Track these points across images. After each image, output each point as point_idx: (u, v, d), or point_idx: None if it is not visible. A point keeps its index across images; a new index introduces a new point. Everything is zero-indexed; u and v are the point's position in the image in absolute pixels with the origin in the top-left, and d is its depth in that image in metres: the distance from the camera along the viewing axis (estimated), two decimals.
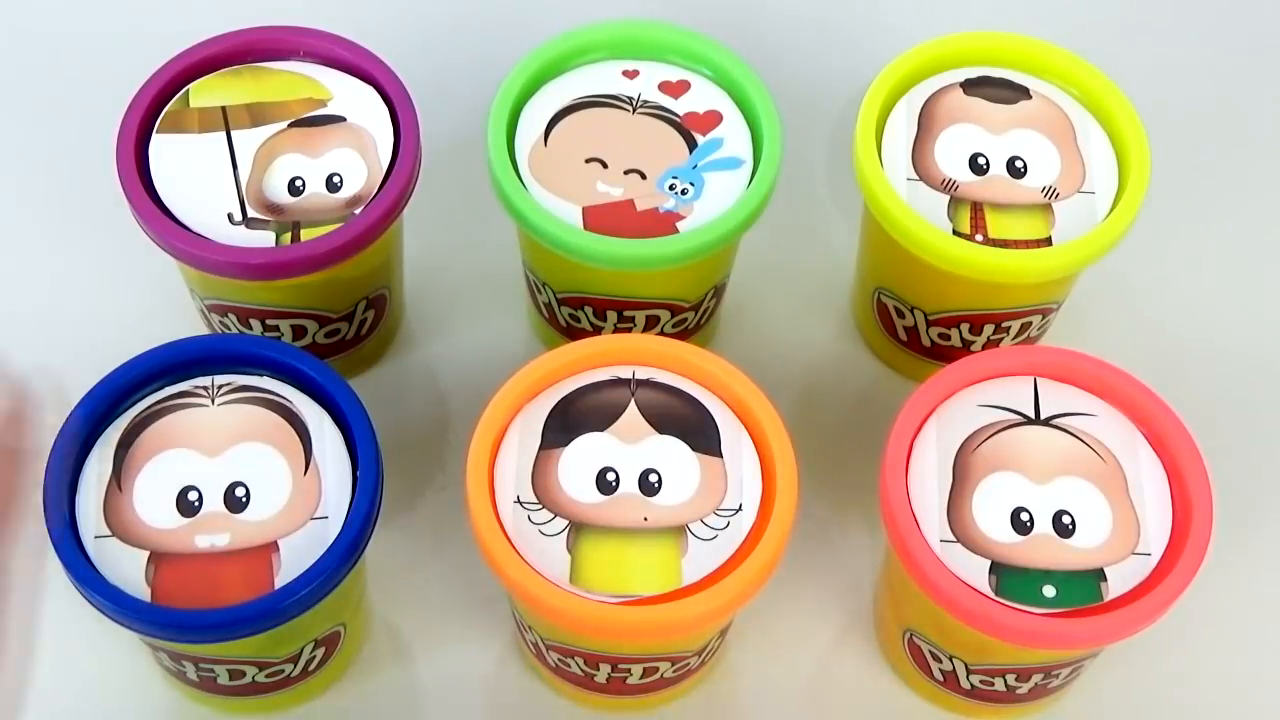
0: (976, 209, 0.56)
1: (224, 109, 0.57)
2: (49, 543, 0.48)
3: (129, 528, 0.49)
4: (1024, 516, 0.49)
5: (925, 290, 0.59)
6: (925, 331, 0.60)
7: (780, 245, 0.64)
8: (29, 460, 0.43)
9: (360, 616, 0.55)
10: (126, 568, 0.48)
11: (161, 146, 0.56)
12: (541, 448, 0.50)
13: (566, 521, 0.48)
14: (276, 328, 0.58)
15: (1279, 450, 0.62)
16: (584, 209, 0.55)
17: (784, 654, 0.58)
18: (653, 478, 0.49)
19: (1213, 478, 0.49)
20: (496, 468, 0.49)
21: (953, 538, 0.49)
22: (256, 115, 0.57)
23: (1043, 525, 0.49)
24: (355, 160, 0.56)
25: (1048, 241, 0.55)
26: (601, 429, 0.50)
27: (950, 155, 0.57)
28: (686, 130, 0.57)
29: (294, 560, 0.48)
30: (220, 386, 0.51)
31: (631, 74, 0.58)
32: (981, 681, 0.53)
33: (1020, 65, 0.59)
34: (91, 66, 0.70)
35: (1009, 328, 0.59)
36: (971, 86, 0.59)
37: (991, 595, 0.48)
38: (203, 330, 0.62)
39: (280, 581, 0.48)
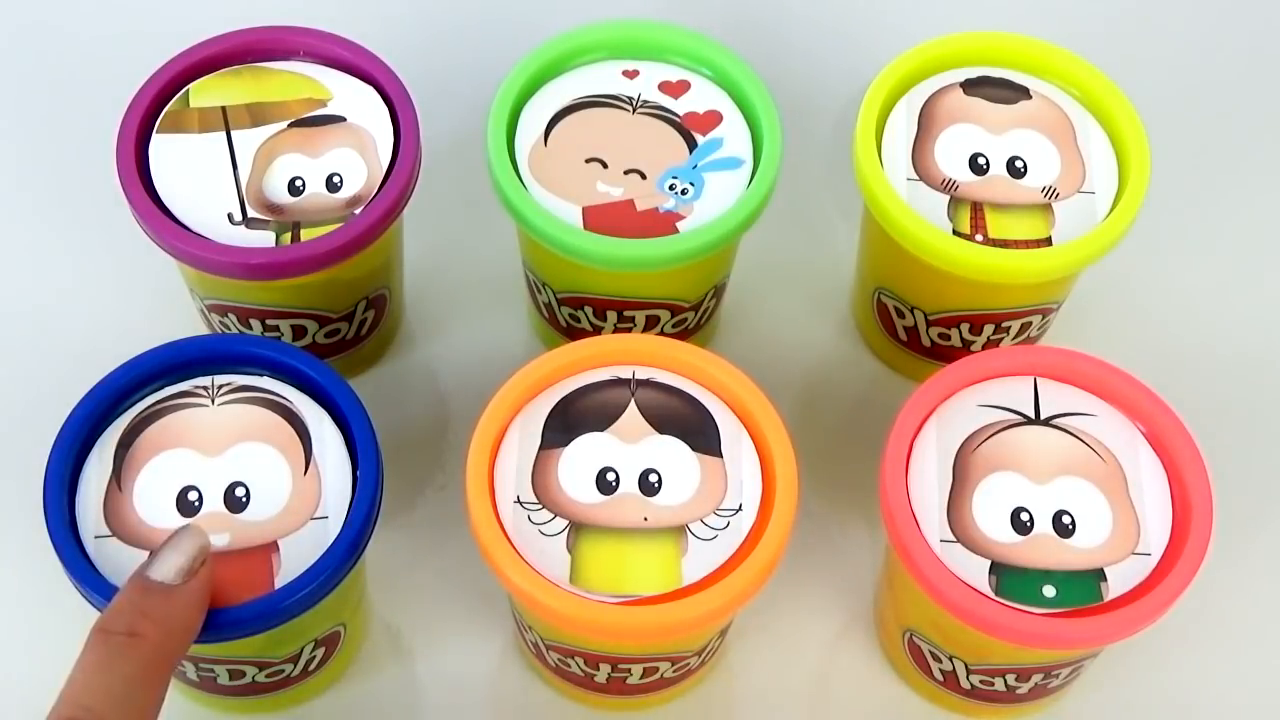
0: (976, 209, 0.56)
1: (224, 109, 0.57)
2: (49, 543, 0.48)
3: (129, 528, 0.49)
4: (1024, 516, 0.49)
5: (925, 290, 0.59)
6: (925, 331, 0.60)
7: (780, 245, 0.64)
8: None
9: (360, 616, 0.55)
10: (126, 568, 0.48)
11: (161, 146, 0.56)
12: (541, 448, 0.50)
13: (566, 521, 0.48)
14: (276, 328, 0.58)
15: (1279, 450, 0.62)
16: (584, 209, 0.55)
17: (784, 654, 0.58)
18: (653, 478, 0.49)
19: (1213, 478, 0.49)
20: (496, 468, 0.49)
21: (953, 538, 0.49)
22: (256, 115, 0.57)
23: (1043, 525, 0.49)
24: (355, 160, 0.56)
25: (1048, 241, 0.55)
26: (601, 429, 0.50)
27: (950, 155, 0.57)
28: (686, 130, 0.57)
29: (294, 560, 0.48)
30: (220, 386, 0.51)
31: (631, 74, 0.58)
32: (981, 681, 0.53)
33: (1020, 65, 0.59)
34: (91, 66, 0.70)
35: (1009, 328, 0.59)
36: (971, 86, 0.59)
37: (991, 595, 0.48)
38: (203, 330, 0.62)
39: (280, 581, 0.48)
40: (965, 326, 0.59)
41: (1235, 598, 0.58)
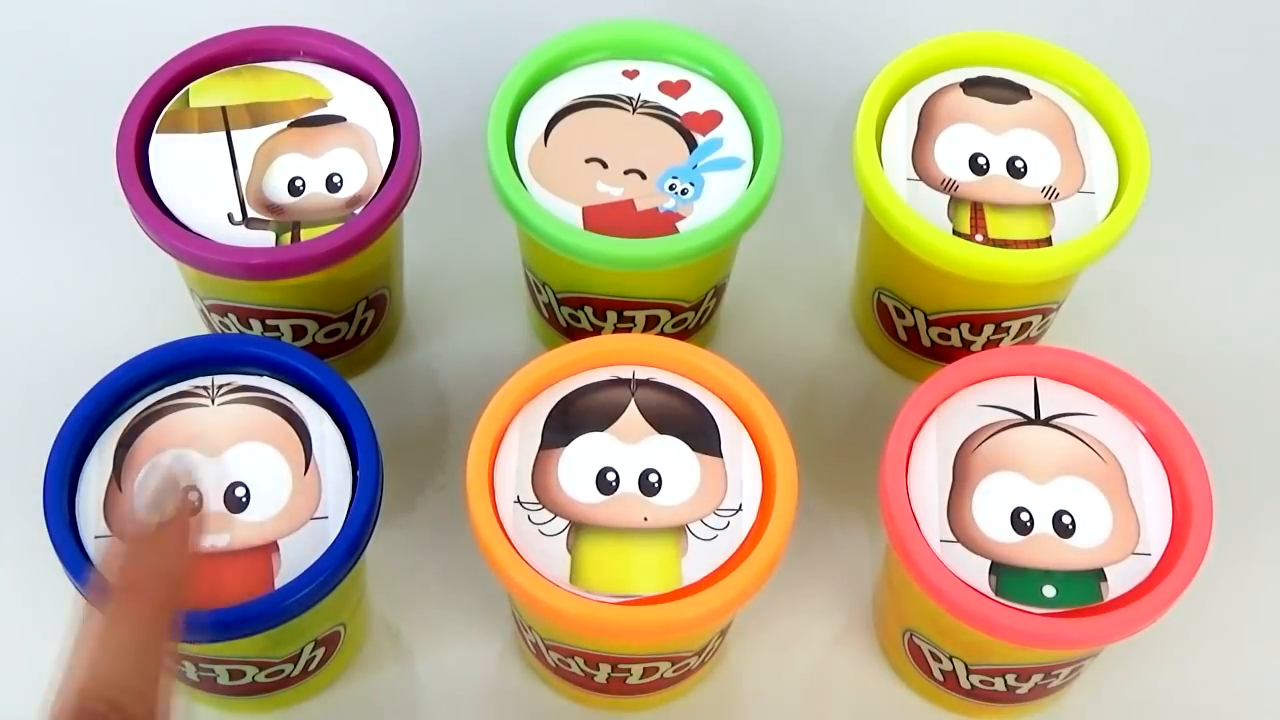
0: (976, 209, 0.56)
1: (224, 109, 0.57)
2: (49, 543, 0.48)
3: None
4: (1024, 516, 0.49)
5: (925, 290, 0.59)
6: (925, 331, 0.60)
7: (780, 245, 0.64)
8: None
9: (360, 616, 0.55)
10: None
11: (161, 146, 0.56)
12: (541, 448, 0.50)
13: (566, 521, 0.48)
14: (276, 328, 0.58)
15: (1279, 450, 0.62)
16: (584, 209, 0.55)
17: (784, 654, 0.58)
18: (653, 478, 0.49)
19: (1213, 478, 0.49)
20: (496, 468, 0.49)
21: (953, 538, 0.49)
22: (256, 115, 0.57)
23: (1043, 525, 0.49)
24: (355, 160, 0.56)
25: (1048, 241, 0.55)
26: (601, 429, 0.50)
27: (950, 155, 0.57)
28: (686, 130, 0.57)
29: (294, 560, 0.48)
30: (220, 386, 0.51)
31: (631, 74, 0.58)
32: (981, 681, 0.53)
33: (1020, 65, 0.59)
34: (91, 66, 0.70)
35: (1009, 328, 0.59)
36: (971, 86, 0.59)
37: (991, 595, 0.48)
38: (203, 330, 0.62)
39: (280, 581, 0.48)
40: (965, 326, 0.59)
41: (1235, 598, 0.58)
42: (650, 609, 0.47)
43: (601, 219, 0.55)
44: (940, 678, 0.54)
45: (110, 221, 0.60)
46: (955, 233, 0.55)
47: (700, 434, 0.50)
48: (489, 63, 0.61)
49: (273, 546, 0.48)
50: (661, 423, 0.50)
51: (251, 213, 0.55)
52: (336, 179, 0.56)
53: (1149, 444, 0.51)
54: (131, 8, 0.72)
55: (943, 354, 0.60)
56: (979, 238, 0.55)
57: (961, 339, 0.60)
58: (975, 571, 0.48)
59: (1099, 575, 0.48)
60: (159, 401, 0.51)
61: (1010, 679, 0.52)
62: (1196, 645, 0.57)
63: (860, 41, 0.71)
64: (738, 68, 0.58)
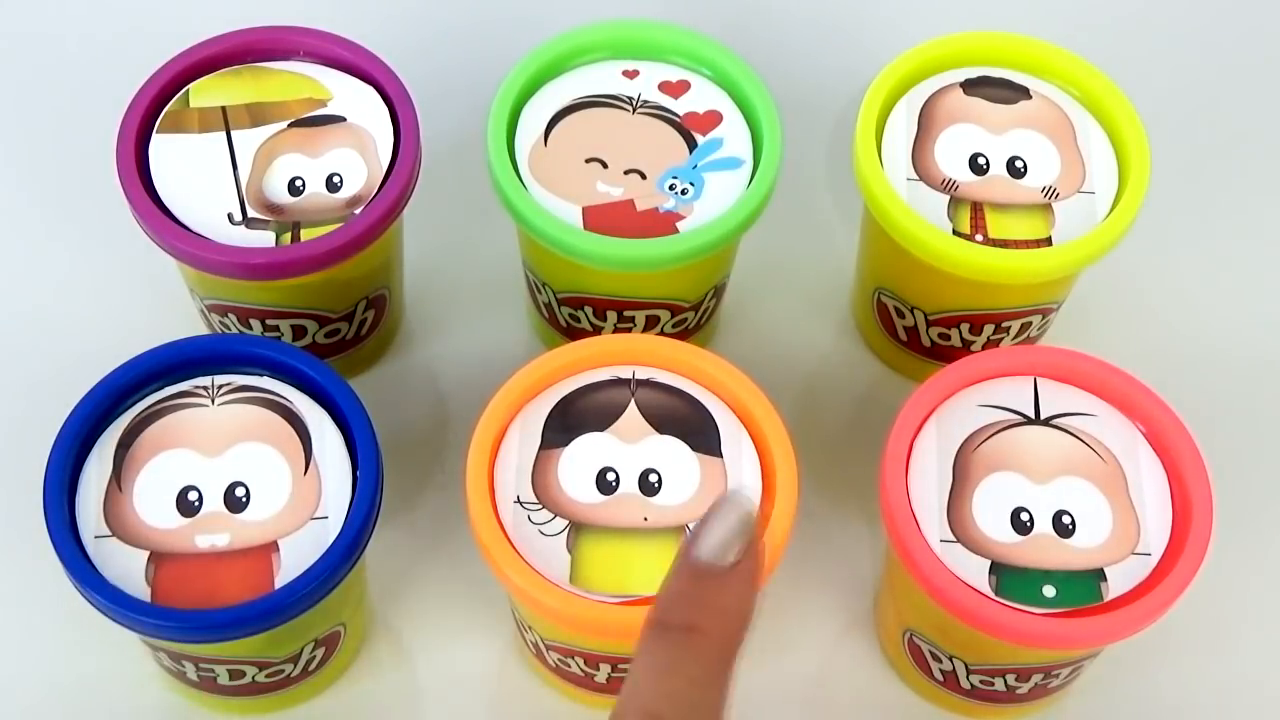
0: (976, 209, 0.56)
1: (224, 109, 0.57)
2: (49, 543, 0.48)
3: (129, 528, 0.49)
4: (1024, 516, 0.49)
5: (925, 290, 0.59)
6: (925, 331, 0.60)
7: (780, 245, 0.64)
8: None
9: (360, 616, 0.55)
10: (126, 568, 0.48)
11: (161, 146, 0.56)
12: (541, 448, 0.50)
13: (566, 521, 0.48)
14: (276, 328, 0.58)
15: (1279, 450, 0.62)
16: (584, 209, 0.55)
17: (784, 654, 0.57)
18: (653, 478, 0.49)
19: (1213, 478, 0.49)
20: (496, 468, 0.49)
21: (953, 538, 0.49)
22: (256, 115, 0.57)
23: (1043, 525, 0.49)
24: (355, 160, 0.56)
25: (1048, 241, 0.55)
26: (601, 429, 0.50)
27: (950, 155, 0.57)
28: (686, 130, 0.57)
29: (294, 560, 0.48)
30: (220, 386, 0.51)
31: (631, 74, 0.58)
32: (981, 681, 0.53)
33: (1020, 65, 0.59)
34: (91, 66, 0.70)
35: (1009, 328, 0.59)
36: (971, 86, 0.59)
37: (991, 595, 0.48)
38: (203, 330, 0.62)
39: (280, 581, 0.48)
40: (965, 326, 0.59)
41: (1235, 598, 0.58)
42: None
43: (601, 219, 0.55)
44: (940, 678, 0.54)
45: (110, 221, 0.60)
46: (955, 233, 0.55)
47: (700, 434, 0.50)
48: (489, 63, 0.61)
49: (273, 546, 0.48)
50: (661, 423, 0.50)
51: (251, 213, 0.55)
52: (336, 179, 0.56)
53: (1149, 444, 0.51)
54: (131, 8, 0.72)
55: (943, 354, 0.60)
56: (979, 238, 0.55)
57: (961, 339, 0.60)
58: (975, 571, 0.48)
59: (1099, 575, 0.48)
60: (159, 401, 0.51)
61: (1010, 679, 0.52)
62: (1196, 645, 0.57)
63: (860, 41, 0.71)
64: (738, 68, 0.58)
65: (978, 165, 0.57)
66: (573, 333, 0.60)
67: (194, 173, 0.55)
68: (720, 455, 0.50)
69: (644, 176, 0.56)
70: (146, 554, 0.48)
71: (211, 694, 0.54)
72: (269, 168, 0.56)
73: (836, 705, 0.57)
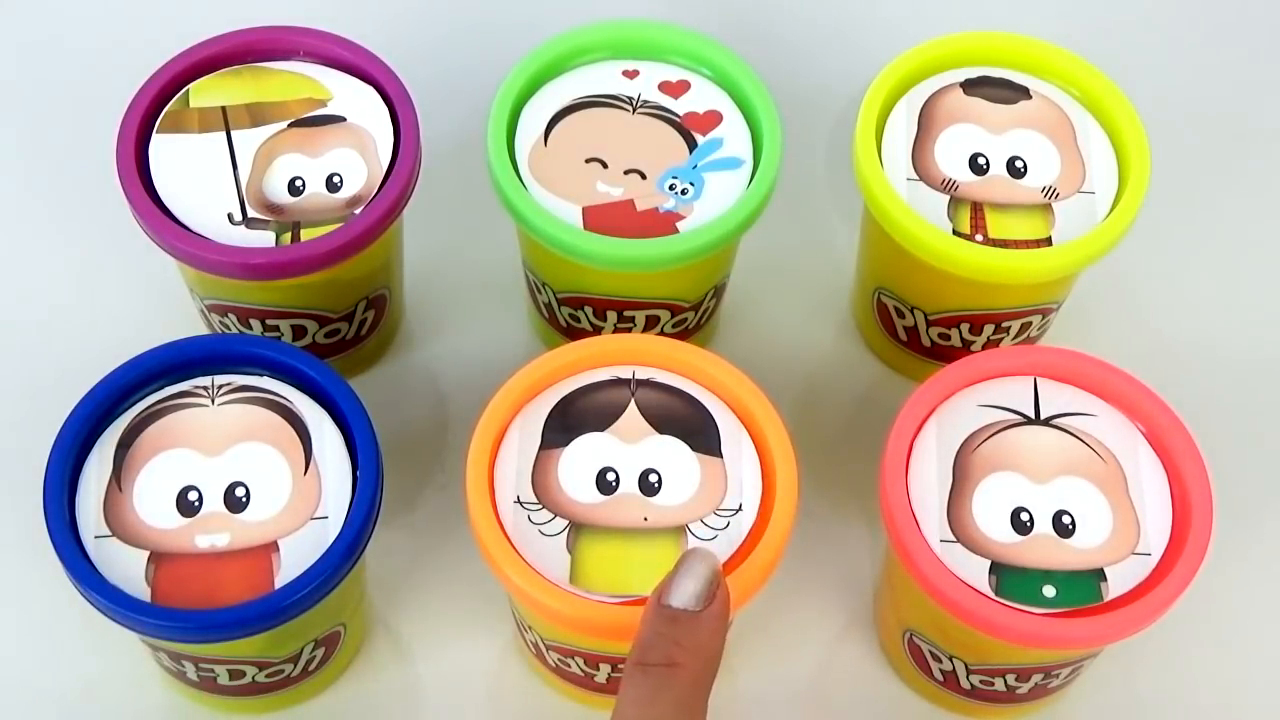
0: (976, 209, 0.56)
1: (224, 109, 0.57)
2: (49, 543, 0.48)
3: (129, 528, 0.49)
4: (1024, 516, 0.49)
5: (925, 290, 0.59)
6: (925, 331, 0.60)
7: (780, 245, 0.64)
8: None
9: (360, 616, 0.55)
10: (126, 568, 0.48)
11: (161, 146, 0.56)
12: (541, 448, 0.50)
13: (566, 521, 0.48)
14: (276, 328, 0.58)
15: (1279, 450, 0.62)
16: (584, 209, 0.55)
17: (784, 654, 0.57)
18: (653, 478, 0.49)
19: (1213, 478, 0.49)
20: (496, 468, 0.49)
21: (953, 538, 0.49)
22: (256, 115, 0.57)
23: (1043, 525, 0.49)
24: (355, 160, 0.56)
25: (1048, 241, 0.55)
26: (601, 429, 0.50)
27: (950, 155, 0.57)
28: (686, 130, 0.57)
29: (294, 560, 0.48)
30: (220, 386, 0.51)
31: (631, 74, 0.58)
32: (981, 681, 0.53)
33: (1020, 65, 0.59)
34: (91, 66, 0.70)
35: (1009, 328, 0.59)
36: (971, 86, 0.59)
37: (991, 595, 0.48)
38: (203, 330, 0.62)
39: (280, 581, 0.48)
40: (965, 326, 0.59)
41: (1235, 598, 0.58)
42: None
43: (601, 219, 0.55)
44: (940, 678, 0.54)
45: (110, 221, 0.60)
46: (955, 233, 0.55)
47: (700, 434, 0.50)
48: (489, 63, 0.61)
49: (273, 546, 0.48)
50: (661, 423, 0.50)
51: (251, 213, 0.55)
52: (336, 179, 0.56)
53: (1149, 444, 0.51)
54: (131, 8, 0.72)
55: (943, 354, 0.60)
56: (979, 238, 0.55)
57: (961, 339, 0.60)
58: (975, 571, 0.48)
59: (1099, 575, 0.48)
60: (159, 401, 0.51)
61: (1010, 679, 0.52)
62: (1196, 645, 0.57)
63: (860, 41, 0.71)
64: (738, 68, 0.58)
65: (978, 165, 0.57)
66: (573, 333, 0.60)
67: (194, 173, 0.55)
68: (720, 455, 0.50)
69: (644, 176, 0.56)
70: (146, 554, 0.48)
71: (211, 694, 0.54)
72: (269, 168, 0.56)
73: (836, 705, 0.57)
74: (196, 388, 0.51)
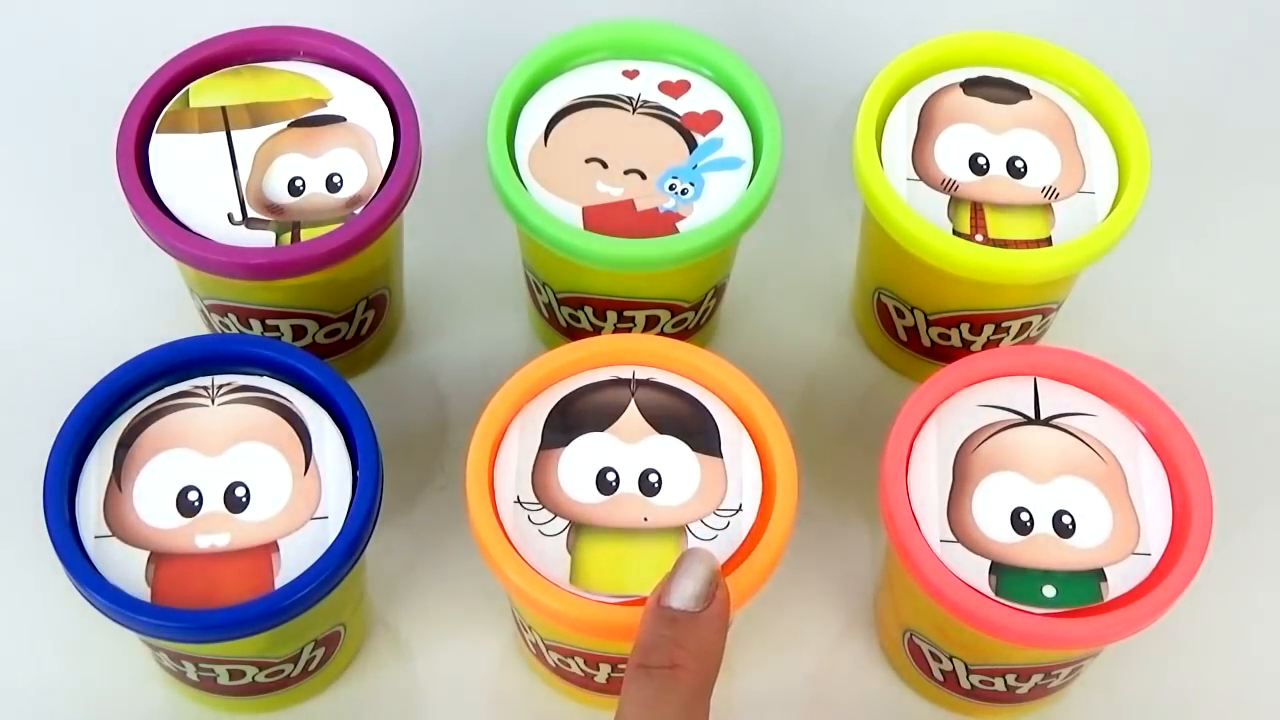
0: (976, 209, 0.56)
1: (224, 109, 0.57)
2: (49, 543, 0.48)
3: (129, 528, 0.49)
4: (1024, 516, 0.49)
5: (925, 290, 0.59)
6: (925, 331, 0.60)
7: (780, 245, 0.64)
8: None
9: (360, 616, 0.55)
10: (126, 568, 0.48)
11: (161, 146, 0.56)
12: (541, 448, 0.50)
13: (566, 521, 0.48)
14: (276, 328, 0.58)
15: (1279, 450, 0.62)
16: (584, 209, 0.55)
17: (784, 654, 0.57)
18: (653, 478, 0.49)
19: (1213, 478, 0.49)
20: (496, 468, 0.49)
21: (953, 538, 0.49)
22: (256, 115, 0.57)
23: (1043, 525, 0.49)
24: (355, 160, 0.56)
25: (1048, 241, 0.55)
26: (601, 429, 0.50)
27: (950, 155, 0.57)
28: (686, 130, 0.57)
29: (294, 560, 0.48)
30: (220, 386, 0.51)
31: (631, 74, 0.58)
32: (981, 681, 0.53)
33: (1020, 65, 0.59)
34: (91, 66, 0.70)
35: (1009, 328, 0.59)
36: (971, 86, 0.59)
37: (991, 595, 0.48)
38: (203, 330, 0.62)
39: (280, 581, 0.48)
40: (965, 326, 0.59)
41: (1235, 598, 0.58)
42: None
43: (601, 219, 0.55)
44: (940, 678, 0.54)
45: (110, 221, 0.60)
46: (955, 233, 0.55)
47: (700, 434, 0.50)
48: (489, 63, 0.61)
49: (273, 546, 0.48)
50: (661, 423, 0.50)
51: (251, 213, 0.55)
52: (336, 179, 0.56)
53: (1149, 444, 0.51)
54: (131, 8, 0.72)
55: (943, 354, 0.60)
56: (979, 238, 0.55)
57: (961, 339, 0.60)
58: (975, 571, 0.48)
59: (1099, 575, 0.48)
60: (159, 401, 0.51)
61: (1010, 679, 0.52)
62: (1196, 645, 0.57)
63: (860, 41, 0.71)
64: (738, 68, 0.58)
65: (978, 165, 0.57)
66: (573, 333, 0.60)
67: (194, 173, 0.55)
68: (720, 455, 0.50)
69: (644, 176, 0.56)
70: (146, 554, 0.48)
71: (211, 694, 0.54)
72: (269, 168, 0.56)
73: (836, 705, 0.57)
74: (196, 388, 0.51)
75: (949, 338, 0.60)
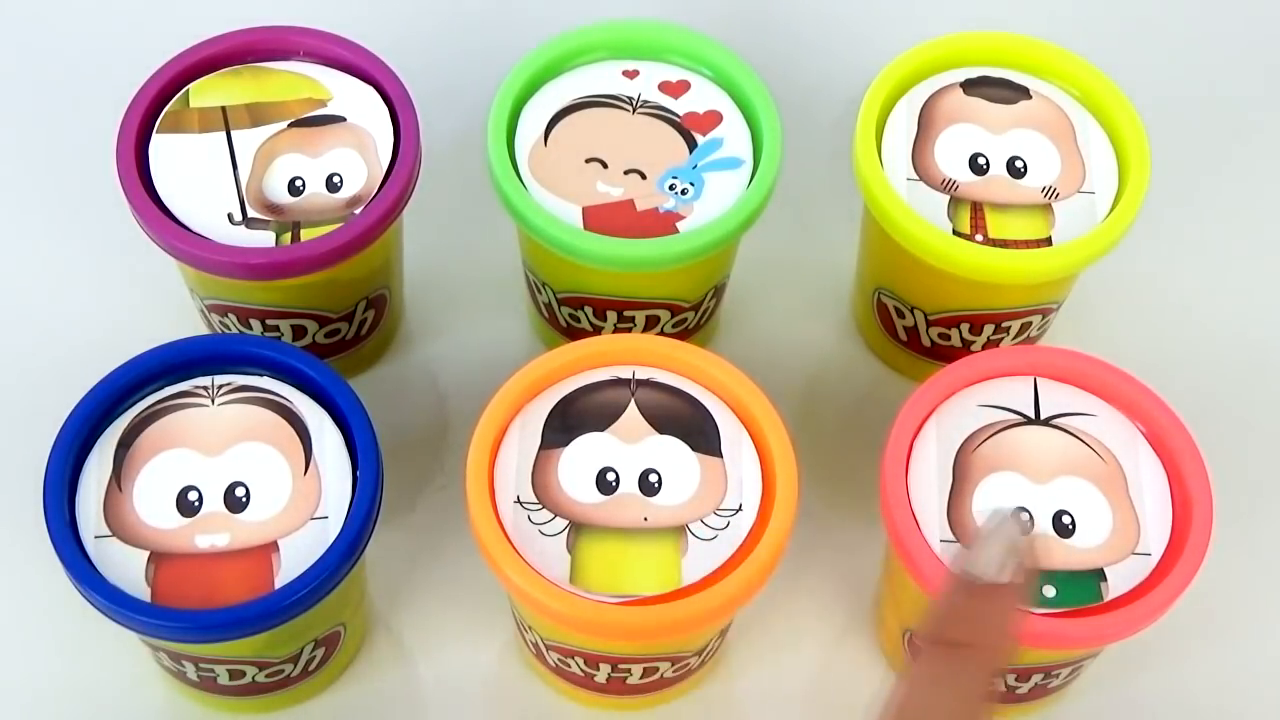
0: (976, 209, 0.56)
1: (224, 109, 0.57)
2: (49, 543, 0.48)
3: (129, 528, 0.49)
4: (1024, 517, 0.49)
5: (925, 290, 0.59)
6: (925, 331, 0.60)
7: (780, 245, 0.64)
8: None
9: (360, 616, 0.55)
10: (126, 568, 0.48)
11: (161, 146, 0.56)
12: (541, 448, 0.50)
13: (566, 521, 0.48)
14: (276, 328, 0.58)
15: (1279, 450, 0.62)
16: (584, 209, 0.55)
17: (784, 654, 0.58)
18: (653, 478, 0.49)
19: (1213, 478, 0.49)
20: (496, 468, 0.49)
21: (953, 538, 0.49)
22: (256, 115, 0.57)
23: (1043, 525, 0.49)
24: (355, 160, 0.56)
25: (1048, 241, 0.55)
26: (601, 429, 0.50)
27: (950, 155, 0.57)
28: (686, 130, 0.57)
29: (294, 560, 0.48)
30: (220, 386, 0.51)
31: (631, 74, 0.58)
32: None
33: (1020, 65, 0.59)
34: (91, 66, 0.70)
35: (1009, 328, 0.59)
36: (971, 86, 0.59)
37: None
38: (203, 330, 0.62)
39: (280, 581, 0.48)
40: (965, 326, 0.59)
41: (1235, 598, 0.58)
42: (650, 609, 0.47)
43: (601, 219, 0.55)
44: None
45: (110, 221, 0.60)
46: (955, 233, 0.55)
47: (700, 434, 0.50)
48: (489, 63, 0.61)
49: (273, 546, 0.48)
50: (661, 423, 0.50)
51: (251, 213, 0.55)
52: (336, 179, 0.56)
53: (1149, 444, 0.51)
54: (131, 8, 0.72)
55: (943, 354, 0.60)
56: (979, 238, 0.55)
57: (961, 339, 0.60)
58: None
59: (1099, 575, 0.48)
60: (159, 401, 0.51)
61: (1010, 679, 0.52)
62: (1196, 645, 0.57)
63: (860, 41, 0.71)
64: (738, 68, 0.58)
65: (978, 165, 0.57)
66: (573, 333, 0.60)
67: (194, 173, 0.55)
68: (720, 455, 0.50)
69: (644, 176, 0.56)
70: (146, 554, 0.48)
71: (211, 694, 0.54)
72: (269, 168, 0.56)
73: (836, 705, 0.57)
74: (196, 388, 0.51)
75: (949, 338, 0.60)
